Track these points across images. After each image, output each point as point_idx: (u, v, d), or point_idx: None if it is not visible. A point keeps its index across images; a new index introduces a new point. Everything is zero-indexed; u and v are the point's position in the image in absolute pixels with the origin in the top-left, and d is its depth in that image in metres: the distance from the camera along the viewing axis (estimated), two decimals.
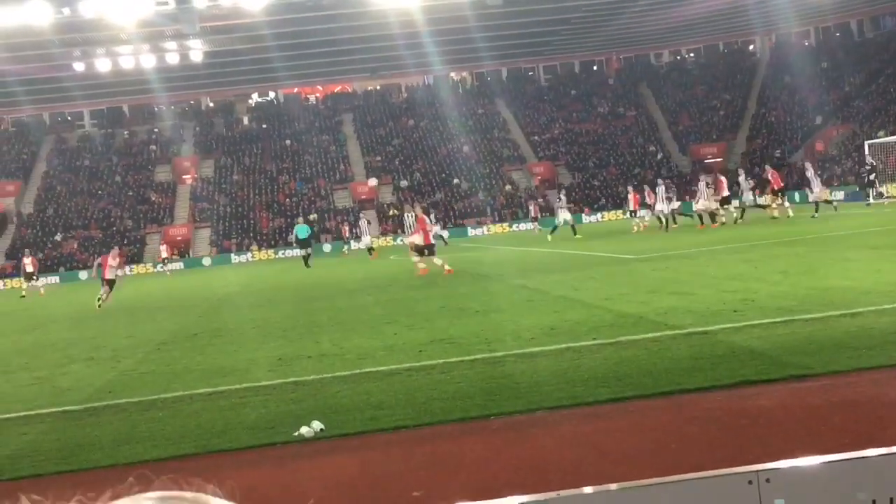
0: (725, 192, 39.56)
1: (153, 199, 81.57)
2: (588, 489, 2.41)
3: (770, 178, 39.77)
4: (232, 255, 72.82)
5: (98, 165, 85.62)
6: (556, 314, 14.69)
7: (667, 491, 2.33)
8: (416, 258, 28.14)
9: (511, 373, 10.17)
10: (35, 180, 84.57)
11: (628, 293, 16.60)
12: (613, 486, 2.41)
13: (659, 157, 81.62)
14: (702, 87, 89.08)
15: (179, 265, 70.37)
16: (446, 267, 26.72)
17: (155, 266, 69.44)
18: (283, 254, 69.99)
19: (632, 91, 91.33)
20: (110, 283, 29.58)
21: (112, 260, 30.00)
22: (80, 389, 12.19)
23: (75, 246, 74.84)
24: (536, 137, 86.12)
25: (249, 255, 72.54)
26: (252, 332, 17.10)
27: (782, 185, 40.69)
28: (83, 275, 67.44)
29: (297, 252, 50.16)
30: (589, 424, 7.72)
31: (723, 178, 40.89)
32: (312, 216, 72.97)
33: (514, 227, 72.01)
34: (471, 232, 71.45)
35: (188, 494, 0.69)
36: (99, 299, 28.94)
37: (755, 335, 10.76)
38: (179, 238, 76.06)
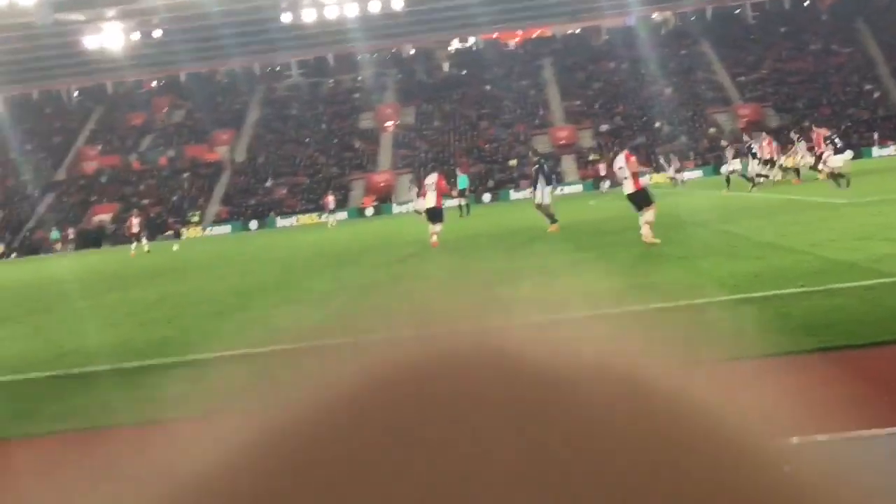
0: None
1: (357, 146, 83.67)
2: (794, 440, 2.33)
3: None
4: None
5: (305, 114, 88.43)
6: (760, 260, 14.24)
7: (878, 444, 2.22)
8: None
9: (713, 320, 9.93)
10: (247, 130, 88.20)
11: (837, 239, 15.89)
12: (822, 437, 2.32)
13: (876, 95, 77.31)
14: None
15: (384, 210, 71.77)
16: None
17: (362, 213, 71.40)
18: (485, 199, 70.05)
19: (846, 27, 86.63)
20: (434, 215, 25.13)
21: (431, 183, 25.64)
22: (288, 329, 12.67)
23: (285, 192, 77.78)
24: (743, 78, 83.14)
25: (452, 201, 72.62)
26: (445, 279, 17.29)
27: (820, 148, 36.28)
28: (286, 221, 70.31)
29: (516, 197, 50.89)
30: (795, 374, 7.43)
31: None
32: (512, 162, 73.23)
33: (719, 171, 69.93)
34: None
35: None
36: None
37: None
38: (382, 184, 77.76)
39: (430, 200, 25.46)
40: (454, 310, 0.54)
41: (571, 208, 39.75)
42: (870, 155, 65.76)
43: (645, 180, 19.35)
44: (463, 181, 49.30)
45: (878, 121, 71.73)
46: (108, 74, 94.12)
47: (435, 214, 25.26)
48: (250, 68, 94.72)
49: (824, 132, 35.04)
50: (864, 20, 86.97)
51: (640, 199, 19.09)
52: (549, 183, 26.96)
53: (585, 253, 18.88)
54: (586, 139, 79.36)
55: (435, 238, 24.72)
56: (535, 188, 26.65)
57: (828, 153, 33.50)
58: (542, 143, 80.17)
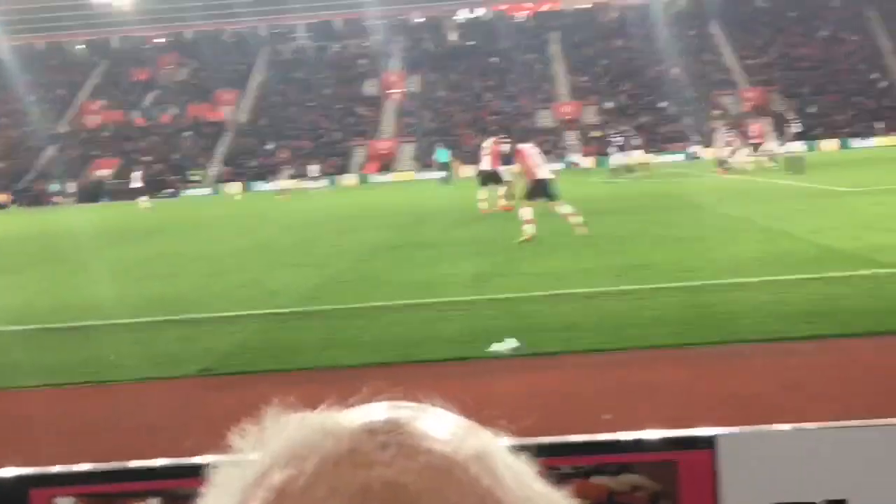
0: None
1: (361, 112, 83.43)
2: (786, 426, 2.36)
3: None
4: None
5: (310, 78, 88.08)
6: (760, 245, 14.27)
7: (869, 434, 2.25)
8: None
9: (710, 303, 9.98)
10: (251, 91, 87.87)
11: (839, 227, 15.92)
12: (813, 426, 2.35)
13: (882, 85, 77.04)
14: None
15: (389, 177, 70.76)
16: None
17: (363, 181, 70.92)
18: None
19: (857, 14, 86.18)
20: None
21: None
22: (287, 293, 12.74)
23: (287, 155, 77.66)
24: (750, 61, 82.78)
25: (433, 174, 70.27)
26: (450, 248, 17.35)
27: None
28: (317, 183, 70.07)
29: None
30: (789, 360, 7.51)
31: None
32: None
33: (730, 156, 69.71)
34: (675, 158, 69.67)
35: (429, 406, 0.72)
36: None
37: None
38: (385, 152, 77.53)
39: (485, 164, 25.78)
40: None
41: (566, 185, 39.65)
42: (847, 146, 66.08)
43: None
44: (442, 154, 53.19)
45: (884, 110, 71.50)
46: (114, 29, 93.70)
47: (490, 178, 25.73)
48: (256, 29, 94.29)
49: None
50: (876, 9, 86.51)
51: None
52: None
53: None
54: (590, 115, 79.13)
55: (486, 205, 25.41)
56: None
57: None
58: (545, 118, 79.96)
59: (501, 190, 25.76)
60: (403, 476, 0.62)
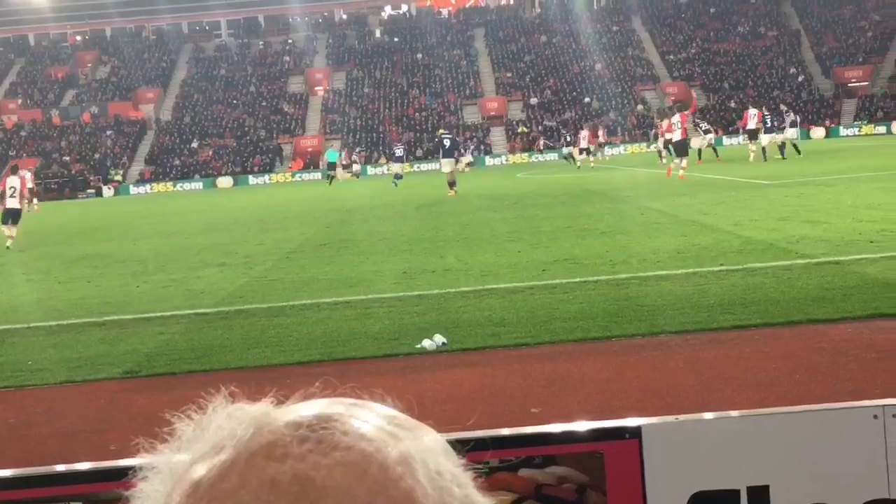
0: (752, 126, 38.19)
1: (286, 109, 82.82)
2: (708, 415, 2.41)
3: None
4: (368, 167, 71.24)
5: (234, 75, 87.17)
6: (684, 238, 14.49)
7: (788, 421, 2.30)
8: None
9: (634, 295, 10.11)
10: (173, 89, 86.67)
11: (759, 219, 16.23)
12: (734, 413, 2.40)
13: (800, 79, 78.76)
14: (850, 6, 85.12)
15: (315, 175, 70.25)
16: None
17: (293, 176, 70.65)
18: (417, 167, 69.19)
19: (775, 10, 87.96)
20: (14, 216, 23.34)
21: (12, 183, 23.99)
22: (212, 293, 12.61)
23: (210, 154, 76.76)
24: (672, 56, 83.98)
25: (385, 168, 69.71)
26: (378, 245, 17.34)
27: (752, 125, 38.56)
28: (222, 181, 69.54)
29: (424, 167, 51.62)
30: (712, 350, 7.65)
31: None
32: (440, 132, 73.02)
33: (648, 148, 70.61)
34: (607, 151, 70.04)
35: (370, 403, 0.72)
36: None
37: (891, 267, 10.42)
38: (310, 149, 77.05)
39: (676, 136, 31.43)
40: None
41: (487, 180, 39.84)
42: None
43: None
44: (332, 155, 57.46)
45: (802, 104, 73.03)
46: (31, 26, 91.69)
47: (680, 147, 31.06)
48: (178, 26, 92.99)
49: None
50: (792, 4, 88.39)
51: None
52: (450, 155, 32.19)
53: (509, 226, 18.99)
54: (516, 111, 79.57)
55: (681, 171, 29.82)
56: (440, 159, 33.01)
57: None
58: (472, 114, 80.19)
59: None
60: (314, 471, 0.62)
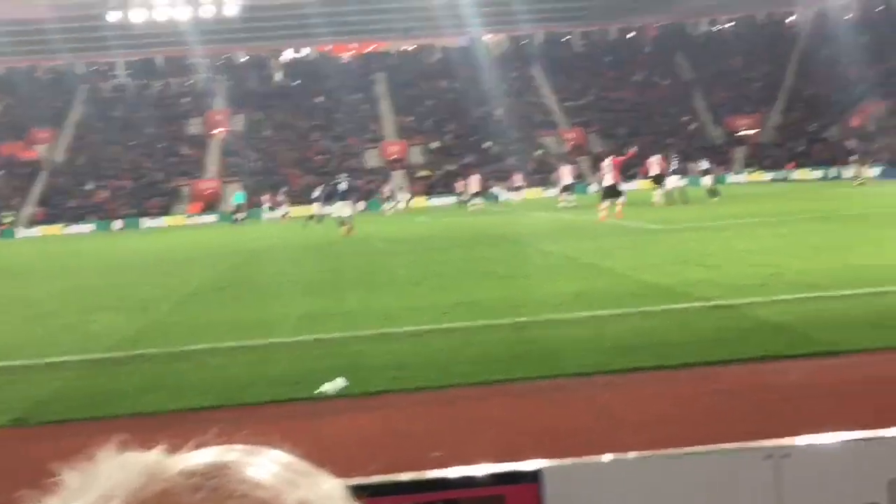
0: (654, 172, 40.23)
1: (184, 151, 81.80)
2: (607, 457, 2.42)
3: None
4: (262, 210, 70.55)
5: (130, 116, 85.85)
6: (583, 281, 14.67)
7: (684, 462, 2.34)
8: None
9: (535, 338, 10.18)
10: (68, 129, 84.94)
11: (657, 263, 16.54)
12: (632, 455, 2.42)
13: (692, 127, 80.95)
14: (739, 57, 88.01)
15: (212, 218, 69.35)
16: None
17: (188, 218, 69.50)
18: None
19: (668, 60, 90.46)
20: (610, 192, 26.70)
21: None
22: (107, 337, 12.30)
23: (107, 196, 75.26)
24: (570, 103, 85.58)
25: (284, 210, 68.32)
26: (279, 288, 17.17)
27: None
28: (116, 224, 68.06)
29: (326, 210, 51.21)
30: (610, 392, 7.73)
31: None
32: (341, 176, 72.86)
33: (547, 192, 71.50)
34: (502, 196, 70.83)
35: (266, 449, 0.70)
36: None
37: (782, 310, 10.71)
38: (209, 191, 76.11)
39: (607, 180, 32.03)
40: None
41: (392, 225, 39.88)
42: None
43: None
44: (239, 196, 60.38)
45: (695, 151, 74.91)
46: None
47: (610, 191, 31.68)
48: (73, 66, 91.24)
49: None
50: (684, 54, 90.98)
51: None
52: (340, 199, 34.90)
53: (410, 269, 19.00)
54: (417, 155, 79.96)
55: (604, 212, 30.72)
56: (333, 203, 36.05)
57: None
58: (373, 158, 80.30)
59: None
60: None
